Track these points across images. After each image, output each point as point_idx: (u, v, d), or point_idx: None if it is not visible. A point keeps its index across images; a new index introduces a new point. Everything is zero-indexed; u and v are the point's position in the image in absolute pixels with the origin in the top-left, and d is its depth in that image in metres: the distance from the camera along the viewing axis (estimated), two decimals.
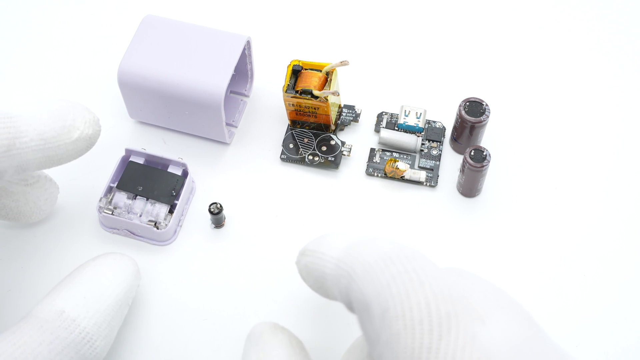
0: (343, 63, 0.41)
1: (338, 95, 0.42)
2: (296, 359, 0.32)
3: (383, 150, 0.45)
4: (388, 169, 0.43)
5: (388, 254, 0.28)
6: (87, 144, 0.37)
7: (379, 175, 0.44)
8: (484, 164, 0.41)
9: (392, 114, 0.46)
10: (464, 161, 0.41)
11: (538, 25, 0.51)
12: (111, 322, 0.34)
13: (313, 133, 0.45)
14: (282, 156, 0.45)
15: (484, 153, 0.41)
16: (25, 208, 0.39)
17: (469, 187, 0.43)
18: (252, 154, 0.45)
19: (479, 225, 0.43)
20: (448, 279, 0.27)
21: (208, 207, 0.42)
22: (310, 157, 0.45)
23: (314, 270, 0.31)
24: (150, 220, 0.41)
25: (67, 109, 0.36)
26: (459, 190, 0.44)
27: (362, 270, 0.28)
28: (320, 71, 0.42)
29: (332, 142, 0.45)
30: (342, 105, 0.47)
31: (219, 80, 0.41)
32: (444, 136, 0.45)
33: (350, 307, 0.29)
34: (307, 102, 0.42)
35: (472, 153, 0.41)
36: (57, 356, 0.31)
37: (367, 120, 0.47)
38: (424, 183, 0.44)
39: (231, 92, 0.47)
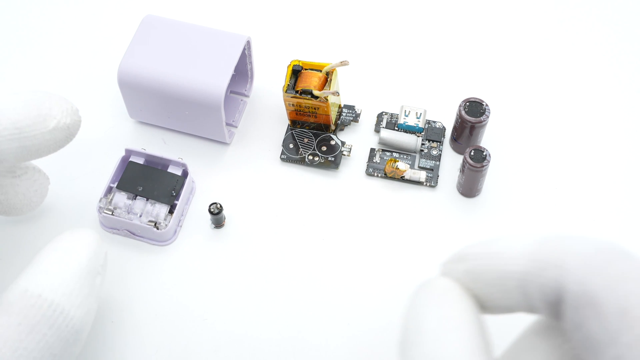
0: (343, 63, 0.41)
1: (338, 95, 0.42)
2: (482, 334, 0.28)
3: (383, 150, 0.45)
4: (388, 169, 0.43)
5: (604, 248, 0.26)
6: (65, 134, 0.36)
7: (379, 175, 0.44)
8: (484, 164, 0.41)
9: (392, 114, 0.46)
10: (464, 161, 0.41)
11: (538, 25, 0.51)
12: (82, 290, 0.33)
13: (313, 133, 0.45)
14: (282, 156, 0.45)
15: (484, 153, 0.41)
16: (15, 200, 0.38)
17: (469, 187, 0.43)
18: (252, 154, 0.45)
19: (479, 225, 0.43)
20: None
21: (208, 207, 0.42)
22: (310, 157, 0.45)
23: (487, 272, 0.28)
24: (150, 221, 0.41)
25: (42, 98, 0.35)
26: (459, 190, 0.44)
27: (578, 262, 0.26)
28: (320, 71, 0.42)
29: (332, 142, 0.45)
30: (342, 105, 0.47)
31: (219, 80, 0.41)
32: (444, 136, 0.45)
33: (553, 300, 0.26)
34: (307, 102, 0.42)
35: (472, 153, 0.41)
36: (28, 336, 0.30)
37: (367, 120, 0.47)
38: (424, 183, 0.44)
39: (231, 92, 0.47)
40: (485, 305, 0.29)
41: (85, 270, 0.33)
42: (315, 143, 0.45)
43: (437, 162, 0.45)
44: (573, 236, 0.27)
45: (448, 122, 0.46)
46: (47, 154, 0.36)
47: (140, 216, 0.41)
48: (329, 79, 0.42)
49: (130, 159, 0.43)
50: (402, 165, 0.43)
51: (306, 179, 0.45)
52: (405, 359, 0.28)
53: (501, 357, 0.29)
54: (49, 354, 0.31)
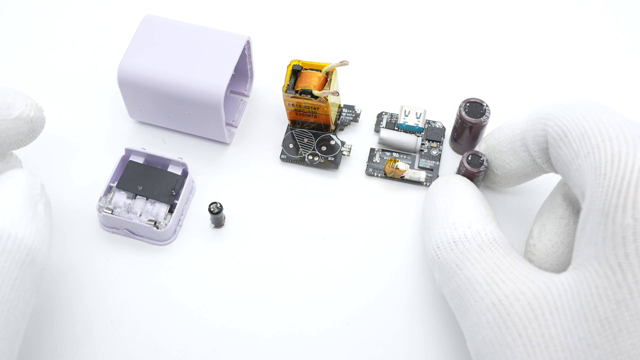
0: (343, 63, 0.41)
1: (338, 95, 0.42)
2: (481, 198, 0.38)
3: (383, 150, 0.45)
4: (388, 169, 0.43)
5: (577, 100, 0.34)
6: (28, 127, 0.37)
7: (379, 175, 0.44)
8: (481, 169, 0.41)
9: (392, 114, 0.46)
10: (460, 164, 0.41)
11: (538, 25, 0.51)
12: (24, 214, 0.34)
13: (313, 133, 0.45)
14: (282, 156, 0.45)
15: (481, 158, 0.41)
16: None
17: None
18: (252, 154, 0.45)
19: None
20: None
21: (208, 207, 0.42)
22: (310, 157, 0.45)
23: (500, 141, 0.38)
24: (150, 220, 0.41)
25: (8, 90, 0.37)
26: None
27: (558, 110, 0.34)
28: (320, 71, 0.42)
29: (332, 142, 0.45)
30: (342, 105, 0.47)
31: (219, 80, 0.41)
32: (443, 136, 0.46)
33: (543, 146, 0.35)
34: (307, 102, 0.42)
35: (470, 158, 0.41)
36: None
37: (367, 120, 0.47)
38: (424, 183, 0.44)
39: (231, 92, 0.47)
40: (503, 173, 0.39)
41: (22, 197, 0.34)
42: (315, 143, 0.45)
43: (437, 162, 0.45)
44: (553, 102, 0.35)
45: (448, 122, 0.46)
46: (9, 146, 0.37)
47: (140, 215, 0.41)
48: (328, 79, 0.42)
49: (130, 159, 0.43)
50: (402, 165, 0.43)
51: (306, 179, 0.45)
52: (425, 232, 0.37)
53: (537, 212, 0.39)
54: (9, 278, 0.32)
